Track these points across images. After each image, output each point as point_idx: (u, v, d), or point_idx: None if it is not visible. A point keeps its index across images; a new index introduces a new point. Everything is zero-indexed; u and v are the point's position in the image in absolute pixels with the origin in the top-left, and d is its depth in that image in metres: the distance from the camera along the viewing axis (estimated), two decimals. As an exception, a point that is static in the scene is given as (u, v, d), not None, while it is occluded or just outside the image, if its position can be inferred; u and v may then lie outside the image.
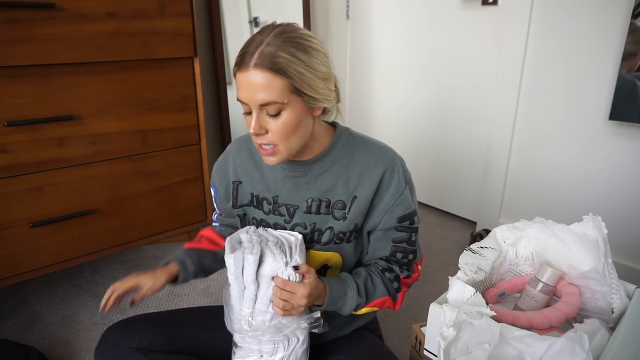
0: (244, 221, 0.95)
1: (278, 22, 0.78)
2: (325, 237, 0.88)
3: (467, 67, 1.95)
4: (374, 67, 2.38)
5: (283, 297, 0.78)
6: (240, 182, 0.93)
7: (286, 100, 0.74)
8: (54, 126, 1.27)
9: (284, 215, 0.90)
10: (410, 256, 0.90)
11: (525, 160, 1.83)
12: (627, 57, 1.42)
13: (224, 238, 0.93)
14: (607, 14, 1.47)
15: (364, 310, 0.89)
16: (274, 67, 0.72)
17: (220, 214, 1.04)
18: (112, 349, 0.88)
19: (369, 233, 0.91)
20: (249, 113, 0.77)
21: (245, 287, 0.82)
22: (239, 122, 2.07)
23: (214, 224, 1.06)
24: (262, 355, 0.86)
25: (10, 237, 1.27)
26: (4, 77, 1.17)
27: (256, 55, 0.72)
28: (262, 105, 0.74)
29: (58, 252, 1.37)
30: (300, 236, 0.87)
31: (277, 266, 0.80)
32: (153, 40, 1.38)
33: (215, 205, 1.03)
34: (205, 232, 1.05)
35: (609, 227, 0.86)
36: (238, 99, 0.77)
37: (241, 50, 0.75)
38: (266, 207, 0.91)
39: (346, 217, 0.86)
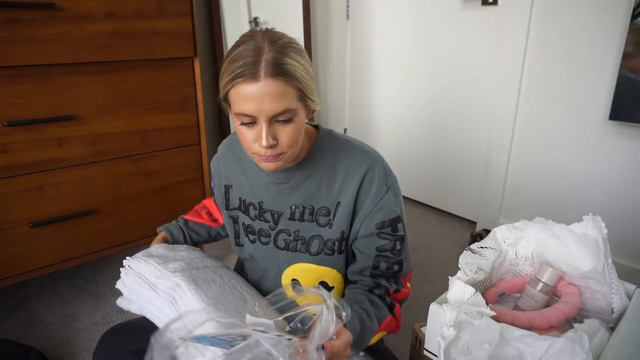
0: (237, 224, 0.95)
1: (258, 29, 0.76)
2: (314, 247, 0.86)
3: (467, 67, 1.95)
4: (374, 66, 2.38)
5: None
6: (231, 186, 0.94)
7: (296, 107, 0.73)
8: (54, 126, 1.27)
9: (269, 222, 0.89)
10: (396, 267, 0.84)
11: (525, 160, 1.83)
12: (628, 56, 1.42)
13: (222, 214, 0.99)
14: (607, 14, 1.47)
15: (376, 337, 0.82)
16: (286, 74, 0.69)
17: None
18: (111, 353, 0.88)
19: (352, 243, 0.87)
20: (250, 124, 0.73)
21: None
22: (239, 122, 2.07)
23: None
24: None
25: (10, 237, 1.27)
26: (4, 77, 1.17)
27: (263, 64, 0.68)
28: (275, 115, 0.71)
29: (58, 252, 1.37)
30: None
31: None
32: (153, 40, 1.38)
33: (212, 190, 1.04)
34: (208, 202, 1.07)
35: (609, 227, 0.86)
36: (240, 113, 0.72)
37: (236, 62, 0.70)
38: (252, 212, 0.91)
39: (332, 224, 0.84)
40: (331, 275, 0.88)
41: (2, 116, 1.19)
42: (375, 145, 2.43)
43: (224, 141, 0.98)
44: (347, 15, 2.43)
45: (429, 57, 2.10)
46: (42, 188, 1.29)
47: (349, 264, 0.89)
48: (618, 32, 1.45)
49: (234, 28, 2.08)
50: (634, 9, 1.38)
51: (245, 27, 2.14)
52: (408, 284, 0.88)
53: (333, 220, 0.84)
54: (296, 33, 2.28)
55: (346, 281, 0.90)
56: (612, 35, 1.47)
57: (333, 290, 0.90)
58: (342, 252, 0.86)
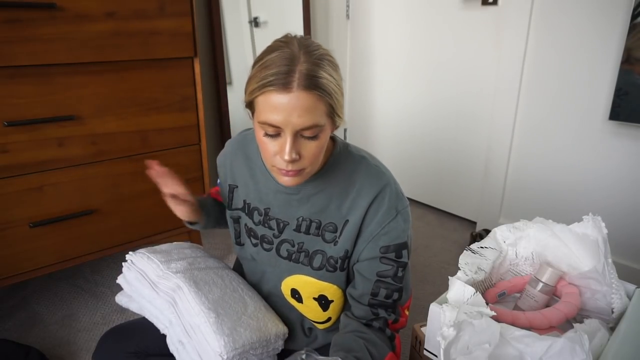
0: (238, 224, 0.94)
1: (293, 35, 0.73)
2: (316, 262, 0.85)
3: (467, 67, 1.95)
4: (374, 67, 2.38)
5: None
6: (237, 187, 0.92)
7: (324, 123, 0.70)
8: (54, 126, 1.27)
9: (274, 229, 0.88)
10: (396, 295, 0.81)
11: (526, 160, 1.83)
12: (628, 56, 1.42)
13: None
14: (607, 14, 1.47)
15: None
16: (319, 88, 0.66)
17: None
18: (110, 354, 0.88)
19: (354, 265, 0.85)
20: (274, 136, 0.70)
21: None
22: (238, 122, 2.07)
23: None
24: None
25: (10, 237, 1.27)
26: (4, 77, 1.17)
27: (297, 75, 0.66)
28: (302, 129, 0.68)
29: (58, 252, 1.37)
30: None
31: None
32: (153, 40, 1.38)
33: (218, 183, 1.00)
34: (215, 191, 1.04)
35: (609, 227, 0.86)
36: (266, 122, 0.68)
37: (268, 69, 0.67)
38: (256, 217, 0.89)
39: (337, 242, 0.83)
40: (331, 290, 0.87)
41: (2, 116, 1.19)
42: (376, 145, 2.45)
43: (234, 138, 0.95)
44: (347, 15, 2.43)
45: (428, 57, 2.10)
46: (42, 188, 1.29)
47: (349, 283, 0.87)
48: (618, 31, 1.45)
49: (234, 28, 2.08)
50: (634, 9, 1.38)
51: (246, 27, 2.14)
52: (406, 312, 0.86)
53: (339, 238, 0.82)
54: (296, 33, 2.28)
55: (346, 296, 0.88)
56: (612, 35, 1.47)
57: (333, 304, 0.88)
58: (344, 270, 0.84)
